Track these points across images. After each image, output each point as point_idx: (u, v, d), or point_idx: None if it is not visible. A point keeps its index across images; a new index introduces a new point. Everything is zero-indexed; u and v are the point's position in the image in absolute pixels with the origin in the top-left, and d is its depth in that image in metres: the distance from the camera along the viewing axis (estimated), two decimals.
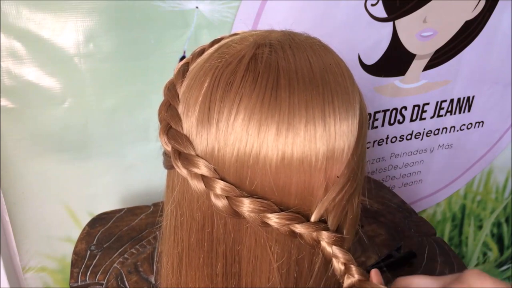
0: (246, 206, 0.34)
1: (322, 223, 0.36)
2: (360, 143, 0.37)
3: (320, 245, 0.36)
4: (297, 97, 0.34)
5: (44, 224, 0.83)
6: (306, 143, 0.34)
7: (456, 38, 0.92)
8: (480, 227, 1.30)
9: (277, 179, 0.34)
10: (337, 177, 0.36)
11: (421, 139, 1.06)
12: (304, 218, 0.36)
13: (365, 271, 0.36)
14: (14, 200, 0.79)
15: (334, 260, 0.35)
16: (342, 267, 0.35)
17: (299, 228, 0.35)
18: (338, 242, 0.36)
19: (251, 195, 0.35)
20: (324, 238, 0.35)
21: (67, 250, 0.84)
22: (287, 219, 0.35)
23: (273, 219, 0.35)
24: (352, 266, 0.35)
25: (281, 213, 0.35)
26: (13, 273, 0.86)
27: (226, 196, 0.35)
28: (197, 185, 0.35)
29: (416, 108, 1.00)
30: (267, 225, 0.35)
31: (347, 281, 0.35)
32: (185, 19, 0.72)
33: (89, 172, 0.81)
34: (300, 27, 0.41)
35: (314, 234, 0.35)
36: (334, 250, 0.35)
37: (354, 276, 0.35)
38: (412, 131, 1.04)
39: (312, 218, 0.36)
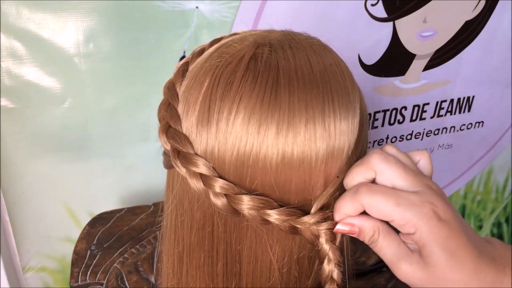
0: (246, 203, 0.34)
1: (321, 212, 0.36)
2: (360, 142, 0.37)
3: (319, 240, 0.35)
4: (297, 97, 0.34)
5: (44, 224, 0.83)
6: (306, 142, 0.34)
7: (456, 38, 0.92)
8: (480, 227, 1.30)
9: (277, 178, 0.34)
10: (337, 176, 0.36)
11: (421, 139, 1.06)
12: (303, 213, 0.36)
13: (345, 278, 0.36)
14: (14, 200, 0.79)
15: (325, 259, 0.35)
16: (332, 268, 0.35)
17: (299, 222, 0.35)
18: (335, 236, 0.36)
19: (251, 193, 0.35)
20: (323, 230, 0.35)
21: (67, 250, 0.84)
22: (287, 215, 0.35)
23: (273, 216, 0.35)
24: (335, 269, 0.35)
25: (281, 209, 0.35)
26: (13, 273, 0.86)
27: (225, 194, 0.35)
28: (196, 184, 0.35)
29: (416, 108, 1.00)
30: (267, 222, 0.35)
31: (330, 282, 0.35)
32: (185, 19, 0.72)
33: (89, 172, 0.81)
34: (300, 27, 0.41)
35: (314, 227, 0.35)
36: (331, 247, 0.35)
37: (334, 277, 0.35)
38: (412, 131, 1.03)
39: (312, 211, 0.35)
